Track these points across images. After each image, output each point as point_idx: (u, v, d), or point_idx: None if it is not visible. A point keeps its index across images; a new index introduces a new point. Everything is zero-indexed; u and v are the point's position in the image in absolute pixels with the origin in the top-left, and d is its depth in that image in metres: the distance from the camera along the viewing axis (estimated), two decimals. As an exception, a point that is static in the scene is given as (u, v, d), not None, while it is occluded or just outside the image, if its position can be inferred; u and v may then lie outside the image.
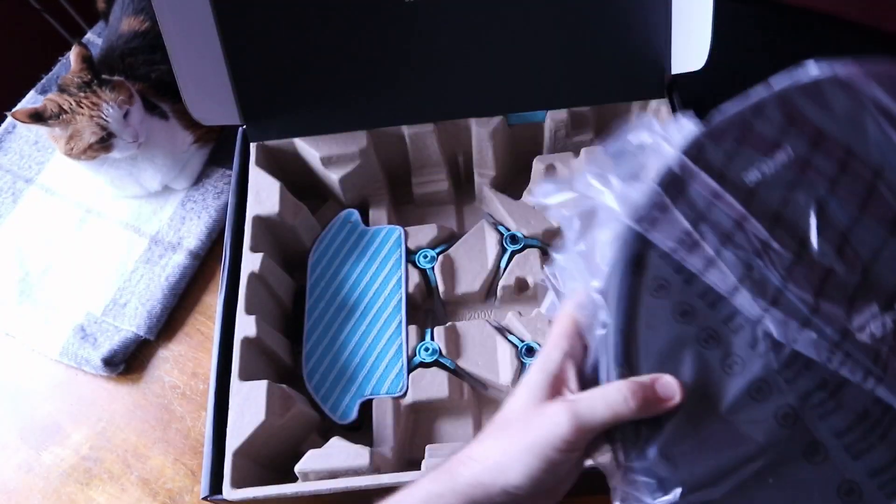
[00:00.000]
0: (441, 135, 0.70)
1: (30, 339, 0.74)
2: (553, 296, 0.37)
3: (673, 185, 0.32)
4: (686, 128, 0.34)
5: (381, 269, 0.68)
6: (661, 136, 0.33)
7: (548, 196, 0.35)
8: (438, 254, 0.69)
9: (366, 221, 0.72)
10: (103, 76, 0.72)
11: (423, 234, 0.70)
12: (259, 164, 0.68)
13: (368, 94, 0.67)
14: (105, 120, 0.70)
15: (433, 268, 0.68)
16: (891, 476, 0.27)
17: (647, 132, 0.34)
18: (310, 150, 0.69)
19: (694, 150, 0.33)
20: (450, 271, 0.68)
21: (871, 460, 0.27)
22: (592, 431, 0.32)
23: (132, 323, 0.73)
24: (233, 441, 0.55)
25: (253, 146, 0.69)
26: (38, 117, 0.69)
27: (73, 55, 0.72)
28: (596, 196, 0.33)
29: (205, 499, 0.54)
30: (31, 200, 0.83)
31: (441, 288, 0.68)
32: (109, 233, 0.80)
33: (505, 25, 0.64)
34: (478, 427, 0.63)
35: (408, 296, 0.67)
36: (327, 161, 0.69)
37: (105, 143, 0.71)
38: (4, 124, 0.89)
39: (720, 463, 0.29)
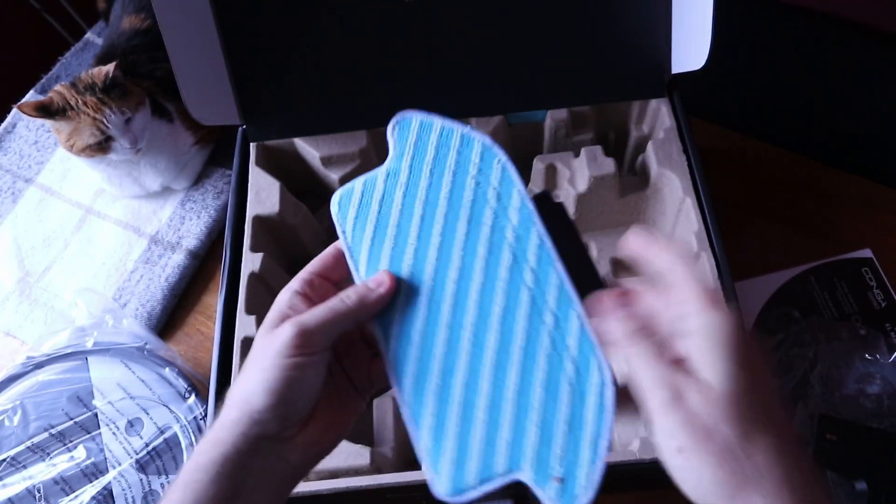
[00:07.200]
0: (441, 135, 0.70)
1: (30, 339, 0.74)
2: None
3: None
4: None
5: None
6: None
7: None
8: (438, 254, 0.69)
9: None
10: (120, 82, 0.71)
11: (424, 233, 0.70)
12: (259, 164, 0.68)
13: (368, 94, 0.67)
14: (105, 125, 0.70)
15: (433, 268, 0.68)
16: None
17: None
18: (310, 150, 0.69)
19: None
20: (450, 271, 0.68)
21: None
22: (318, 332, 0.35)
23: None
24: (233, 441, 0.55)
25: (253, 146, 0.69)
26: (45, 110, 0.69)
27: (107, 66, 0.71)
28: None
29: (205, 499, 0.54)
30: (31, 200, 0.83)
31: (441, 288, 0.67)
32: (109, 233, 0.80)
33: (505, 25, 0.64)
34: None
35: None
36: (327, 161, 0.69)
37: (103, 145, 0.71)
38: (4, 124, 0.89)
39: None
